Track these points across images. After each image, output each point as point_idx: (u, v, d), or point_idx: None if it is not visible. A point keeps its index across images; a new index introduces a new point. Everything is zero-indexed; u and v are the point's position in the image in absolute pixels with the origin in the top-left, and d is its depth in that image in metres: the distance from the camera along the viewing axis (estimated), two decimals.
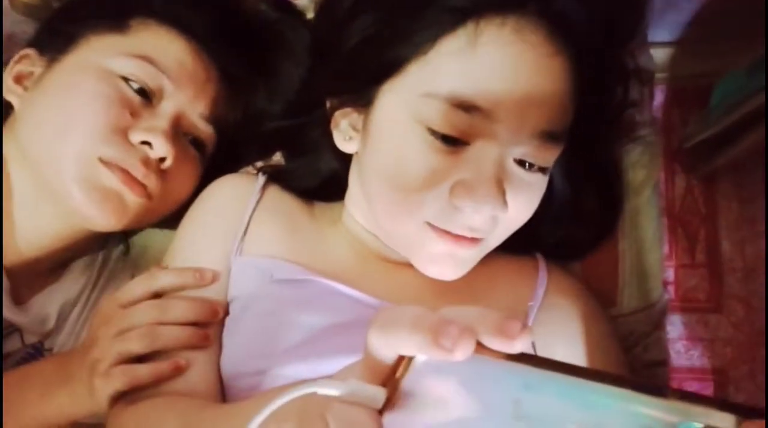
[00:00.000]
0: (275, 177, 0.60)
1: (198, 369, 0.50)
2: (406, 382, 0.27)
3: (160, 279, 0.53)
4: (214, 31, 0.60)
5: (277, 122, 0.61)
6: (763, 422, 0.29)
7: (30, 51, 0.60)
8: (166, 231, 0.66)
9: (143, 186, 0.56)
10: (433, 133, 0.45)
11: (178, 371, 0.49)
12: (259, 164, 0.64)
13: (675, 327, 0.65)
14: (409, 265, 0.52)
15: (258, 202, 0.57)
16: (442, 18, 0.44)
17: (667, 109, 0.70)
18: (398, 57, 0.46)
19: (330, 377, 0.31)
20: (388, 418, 0.28)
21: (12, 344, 0.64)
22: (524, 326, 0.25)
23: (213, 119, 0.60)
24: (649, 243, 0.63)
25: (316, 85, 0.57)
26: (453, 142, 0.45)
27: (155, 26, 0.58)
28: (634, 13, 0.53)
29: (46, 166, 0.55)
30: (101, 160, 0.54)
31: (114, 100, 0.54)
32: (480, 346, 0.26)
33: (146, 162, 0.56)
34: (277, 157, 0.65)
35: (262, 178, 0.59)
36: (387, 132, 0.48)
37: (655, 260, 0.62)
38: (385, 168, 0.48)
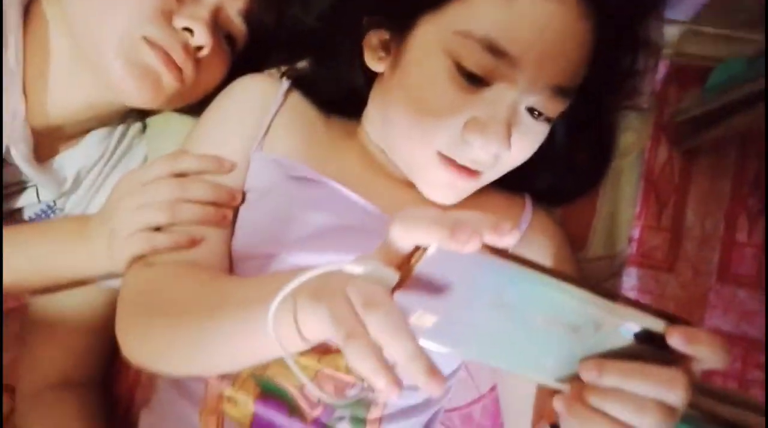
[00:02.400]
0: (298, 84, 0.63)
1: (211, 245, 0.56)
2: (417, 269, 0.34)
3: (183, 162, 0.57)
4: None
5: (312, 24, 0.63)
6: (685, 326, 0.36)
7: None
8: (185, 118, 0.69)
9: (180, 69, 0.58)
10: (460, 68, 0.49)
11: (194, 244, 0.54)
12: (283, 70, 0.66)
13: (630, 279, 0.72)
14: (411, 185, 0.57)
15: (281, 105, 0.61)
16: None
17: (665, 84, 0.74)
18: None
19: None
20: (398, 296, 0.34)
21: (28, 198, 0.68)
22: (513, 227, 0.31)
23: (248, 17, 0.62)
24: (625, 202, 0.69)
25: (357, 2, 0.59)
26: (476, 80, 0.49)
27: None
28: None
29: (90, 38, 0.57)
30: (145, 39, 0.56)
31: None
32: None
33: (186, 47, 0.58)
34: (301, 66, 0.67)
35: (285, 83, 0.62)
36: (417, 59, 0.51)
37: (626, 217, 0.69)
38: (409, 93, 0.52)
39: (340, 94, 0.62)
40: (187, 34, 0.58)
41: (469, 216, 0.32)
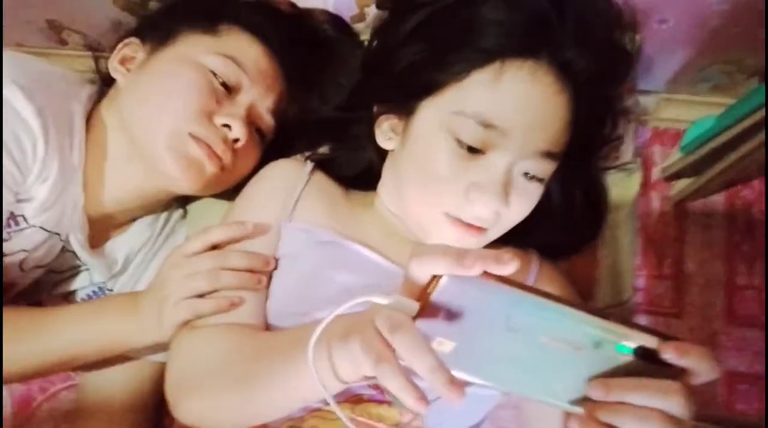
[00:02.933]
0: (320, 165, 0.71)
1: (249, 307, 0.61)
2: (434, 297, 0.39)
3: (212, 233, 0.64)
4: (285, 41, 0.71)
5: (329, 114, 0.72)
6: (678, 342, 0.40)
7: (134, 39, 0.71)
8: (221, 202, 0.78)
9: (220, 159, 0.67)
10: (459, 142, 0.56)
11: (233, 307, 0.60)
12: (307, 154, 0.75)
13: None
14: None
15: (306, 183, 0.68)
16: (476, 56, 0.55)
17: (649, 146, 0.83)
18: (438, 81, 0.57)
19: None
20: (419, 323, 0.40)
21: (81, 281, 0.76)
22: (512, 255, 0.37)
23: (275, 112, 0.72)
24: (624, 253, 0.75)
25: (365, 93, 0.67)
26: (474, 151, 0.56)
27: (239, 32, 0.69)
28: (624, 66, 0.64)
29: (145, 135, 0.67)
30: (191, 135, 0.66)
31: (204, 89, 0.66)
32: (485, 273, 0.38)
33: (225, 141, 0.67)
34: (322, 151, 0.76)
35: (309, 165, 0.71)
36: (422, 137, 0.60)
37: (628, 267, 0.75)
38: (417, 165, 0.60)
39: (357, 170, 0.71)
40: (225, 129, 0.67)
41: (473, 249, 0.38)
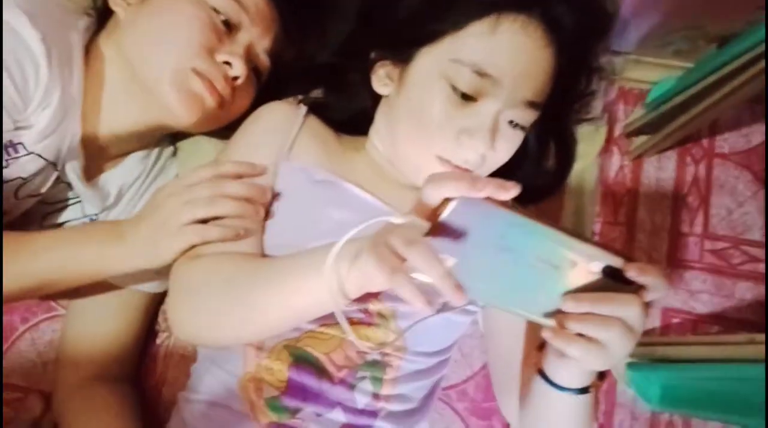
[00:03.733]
0: (314, 109, 0.73)
1: (251, 239, 0.65)
2: (443, 217, 0.45)
3: (224, 167, 0.66)
4: None
5: (325, 59, 0.74)
6: (639, 263, 0.47)
7: None
8: (212, 140, 0.80)
9: (220, 94, 0.69)
10: (454, 89, 0.60)
11: (239, 237, 0.63)
12: (300, 97, 0.76)
13: None
14: (413, 188, 0.68)
15: (301, 126, 0.71)
16: (474, 8, 0.60)
17: (615, 104, 0.90)
18: (438, 30, 0.61)
19: None
20: (429, 241, 0.45)
21: (73, 213, 0.77)
22: (515, 183, 0.43)
23: (272, 54, 0.73)
24: (587, 200, 0.83)
25: (363, 40, 0.70)
26: (467, 98, 0.61)
27: None
28: (605, 25, 0.69)
29: (147, 70, 0.67)
30: (193, 70, 0.67)
31: (206, 25, 0.67)
32: (488, 199, 0.44)
33: (225, 77, 0.69)
34: (314, 94, 0.78)
35: (303, 108, 0.73)
36: (418, 83, 0.63)
37: (589, 213, 0.83)
38: (412, 110, 0.64)
39: (349, 115, 0.74)
40: (226, 66, 0.68)
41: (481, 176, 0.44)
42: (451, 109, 0.61)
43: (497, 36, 0.59)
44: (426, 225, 0.46)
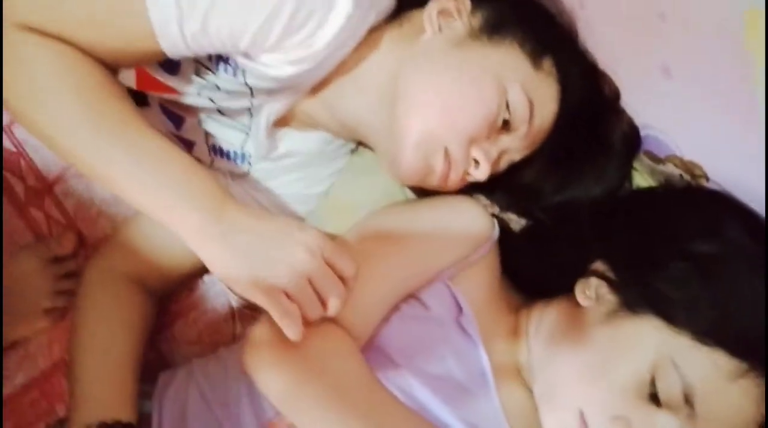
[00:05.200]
0: (505, 243, 0.68)
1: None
2: None
3: (342, 258, 0.54)
4: (578, 111, 0.63)
5: (549, 212, 0.68)
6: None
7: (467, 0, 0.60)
8: (371, 190, 0.74)
9: (446, 182, 0.62)
10: (652, 383, 0.52)
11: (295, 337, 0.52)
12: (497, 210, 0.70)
13: None
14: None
15: (487, 252, 0.65)
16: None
17: None
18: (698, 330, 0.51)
19: None
20: None
21: (234, 136, 0.69)
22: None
23: (512, 165, 0.64)
24: None
25: (599, 240, 0.62)
26: (655, 399, 0.52)
27: (555, 81, 0.61)
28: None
29: (407, 110, 0.58)
30: (445, 150, 0.59)
31: (491, 117, 0.58)
32: None
33: (464, 172, 0.61)
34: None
35: (497, 231, 0.66)
36: (623, 341, 0.55)
37: None
38: (598, 359, 0.56)
39: (535, 277, 0.68)
40: (473, 162, 0.60)
41: None
42: (636, 399, 0.52)
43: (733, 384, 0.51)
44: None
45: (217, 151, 0.71)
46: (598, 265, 0.60)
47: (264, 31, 0.50)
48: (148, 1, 0.47)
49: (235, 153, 0.71)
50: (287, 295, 0.51)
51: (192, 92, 0.61)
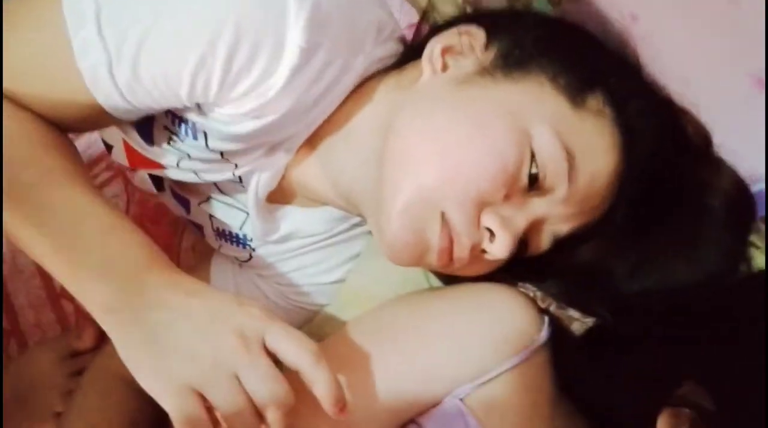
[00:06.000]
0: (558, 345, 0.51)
1: None
2: None
3: (319, 379, 0.41)
4: (650, 166, 0.47)
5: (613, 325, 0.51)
6: None
7: (478, 31, 0.48)
8: (392, 278, 0.59)
9: (452, 261, 0.47)
10: None
11: None
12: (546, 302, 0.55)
13: None
14: None
15: (525, 359, 0.48)
16: None
17: None
18: None
19: None
20: None
21: (233, 217, 0.61)
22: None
23: (558, 242, 0.48)
24: None
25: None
26: None
27: (606, 121, 0.46)
28: None
29: (395, 167, 0.46)
30: (442, 215, 0.45)
31: (507, 170, 0.44)
32: None
33: (474, 246, 0.46)
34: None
35: (545, 332, 0.50)
36: None
37: None
38: None
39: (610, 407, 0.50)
40: (486, 233, 0.45)
41: None
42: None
43: None
44: None
45: (221, 234, 0.63)
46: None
47: (201, 74, 0.42)
48: (75, 46, 0.41)
49: (237, 235, 0.62)
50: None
51: (172, 164, 0.54)
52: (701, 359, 0.44)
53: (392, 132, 0.47)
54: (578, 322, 0.53)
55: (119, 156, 0.55)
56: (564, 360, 0.50)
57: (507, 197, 0.45)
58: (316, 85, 0.45)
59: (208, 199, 0.61)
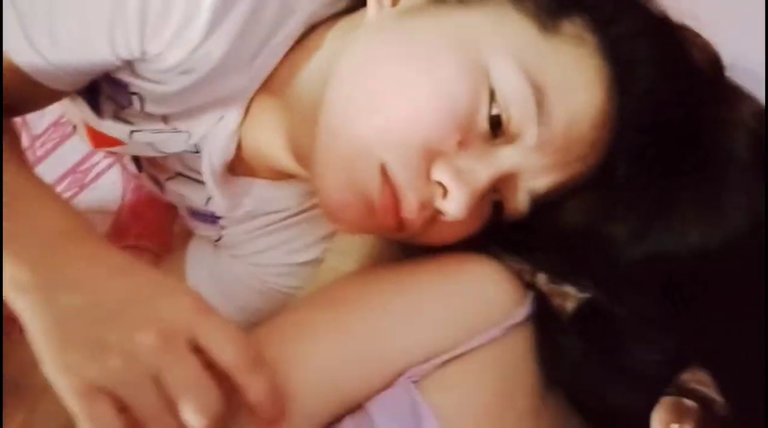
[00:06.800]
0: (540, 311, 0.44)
1: None
2: None
3: (254, 380, 0.35)
4: (653, 104, 0.39)
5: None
6: None
7: None
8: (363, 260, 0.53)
9: (402, 224, 0.40)
10: None
11: None
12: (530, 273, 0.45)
13: None
14: None
15: (506, 330, 0.42)
16: None
17: None
18: None
19: None
20: None
21: (197, 195, 0.56)
22: None
23: (538, 200, 0.41)
24: None
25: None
26: None
27: (587, 44, 0.39)
28: None
29: (330, 117, 0.41)
30: (381, 167, 0.38)
31: (457, 114, 0.37)
32: None
33: (425, 204, 0.39)
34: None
35: (528, 304, 0.43)
36: None
37: None
38: None
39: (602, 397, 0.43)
40: (437, 187, 0.39)
41: None
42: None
43: None
44: None
45: (193, 213, 0.60)
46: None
47: (118, 23, 0.39)
48: None
49: (207, 213, 0.58)
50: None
51: (125, 137, 0.51)
52: (709, 341, 0.37)
53: (331, 79, 0.41)
54: (574, 299, 0.44)
55: (82, 136, 0.53)
56: (551, 342, 0.42)
57: (463, 145, 0.38)
58: (252, 30, 0.41)
59: (176, 175, 0.57)
